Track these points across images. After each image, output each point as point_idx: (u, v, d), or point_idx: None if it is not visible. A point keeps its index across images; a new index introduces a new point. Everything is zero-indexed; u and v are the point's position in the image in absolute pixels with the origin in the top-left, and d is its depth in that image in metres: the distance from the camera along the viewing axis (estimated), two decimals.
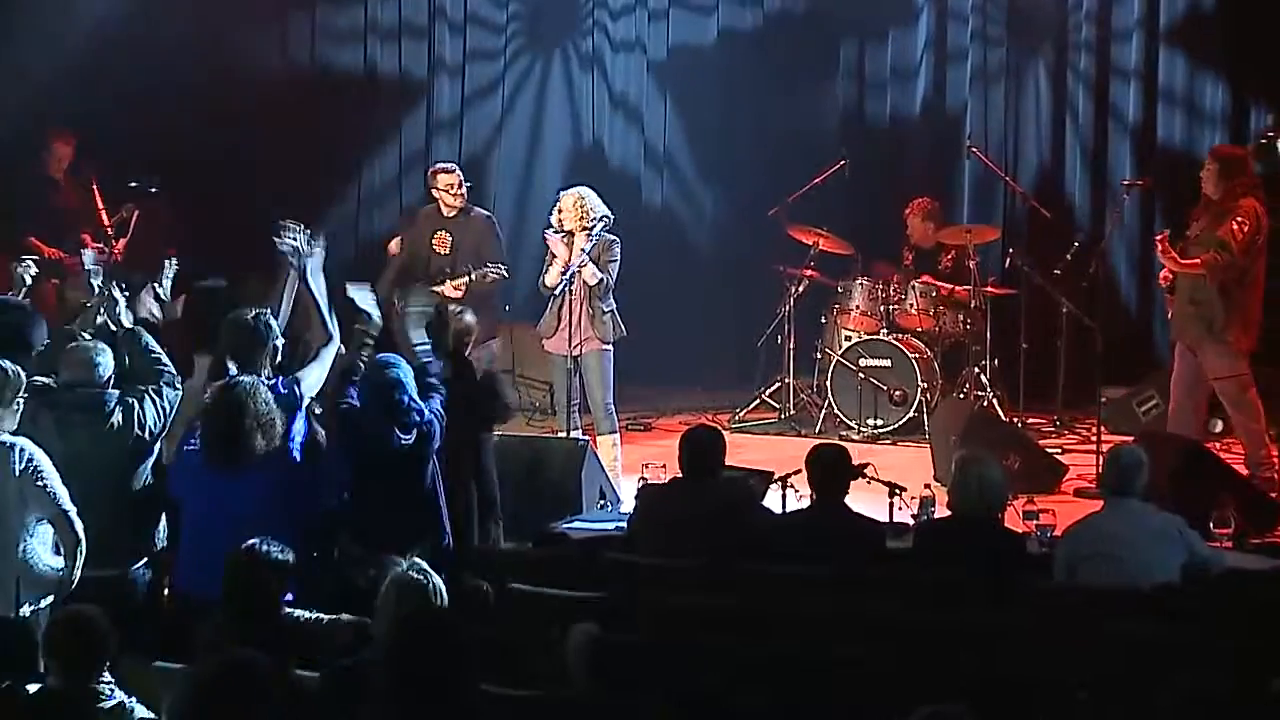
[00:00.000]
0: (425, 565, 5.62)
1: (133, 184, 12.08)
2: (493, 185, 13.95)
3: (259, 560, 5.80)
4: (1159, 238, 9.99)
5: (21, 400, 6.63)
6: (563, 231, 10.18)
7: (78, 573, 6.41)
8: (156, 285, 7.79)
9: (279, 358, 7.20)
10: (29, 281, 8.20)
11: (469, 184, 10.96)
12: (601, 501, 9.48)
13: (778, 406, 12.33)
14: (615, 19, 14.11)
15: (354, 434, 7.12)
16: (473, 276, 10.53)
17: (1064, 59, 13.12)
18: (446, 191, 10.75)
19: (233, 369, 7.05)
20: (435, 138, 14.12)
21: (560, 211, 10.24)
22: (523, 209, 13.88)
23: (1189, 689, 4.42)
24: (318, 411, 7.23)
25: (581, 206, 10.16)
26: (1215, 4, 12.66)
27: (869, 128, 13.54)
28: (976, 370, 11.84)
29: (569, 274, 9.98)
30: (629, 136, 14.23)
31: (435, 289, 10.62)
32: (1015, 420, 11.51)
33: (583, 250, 10.03)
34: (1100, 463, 7.96)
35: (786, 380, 12.30)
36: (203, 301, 8.41)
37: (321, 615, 5.94)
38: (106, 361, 6.98)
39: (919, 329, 12.00)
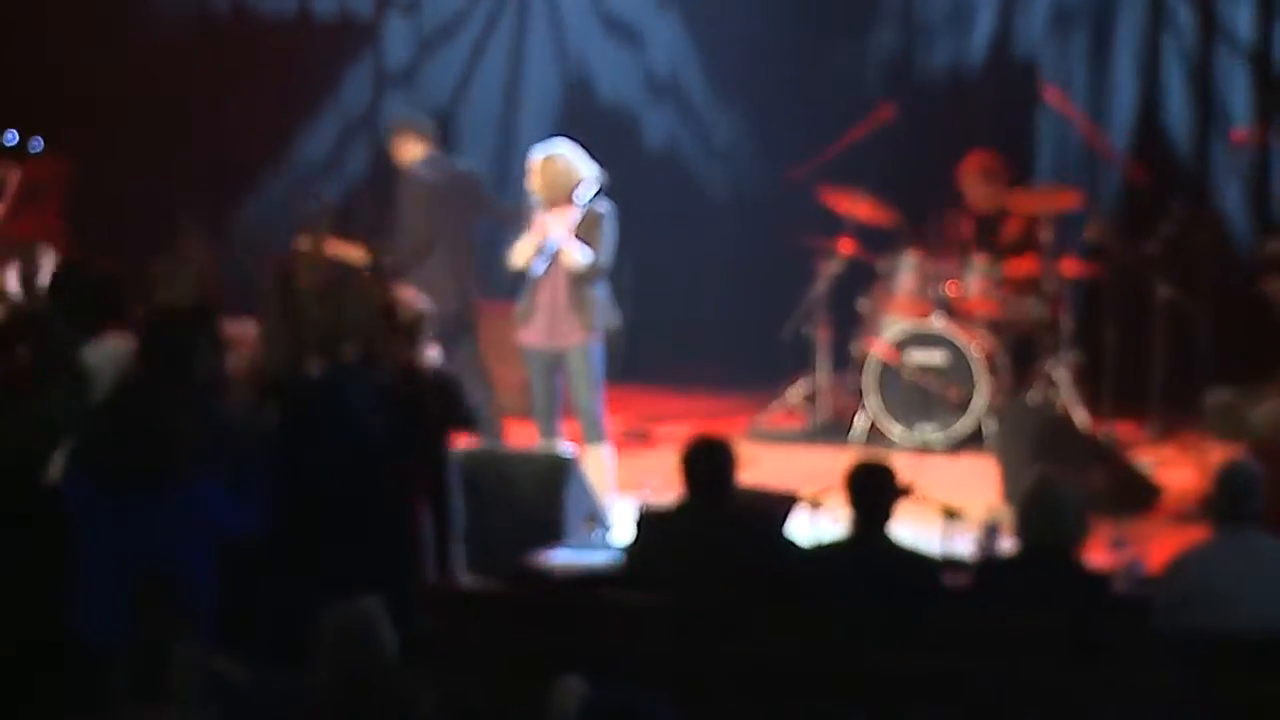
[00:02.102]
0: (372, 606, 5.65)
1: (9, 141, 12.12)
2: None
3: (166, 600, 5.83)
4: None
5: None
6: (539, 202, 10.14)
7: None
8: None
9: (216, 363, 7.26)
10: None
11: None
12: (590, 527, 9.51)
13: (806, 411, 12.36)
14: None
15: (291, 454, 7.16)
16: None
17: None
18: None
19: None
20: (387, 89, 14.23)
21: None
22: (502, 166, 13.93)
23: None
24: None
25: (551, 172, 10.09)
26: None
27: (920, 67, 13.56)
28: (1051, 366, 11.87)
29: (547, 254, 9.95)
30: (625, 80, 14.25)
31: None
32: (1100, 428, 11.55)
33: (570, 219, 10.03)
34: (1207, 481, 7.97)
35: (817, 379, 12.32)
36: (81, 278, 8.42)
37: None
38: None
39: (981, 316, 12.03)
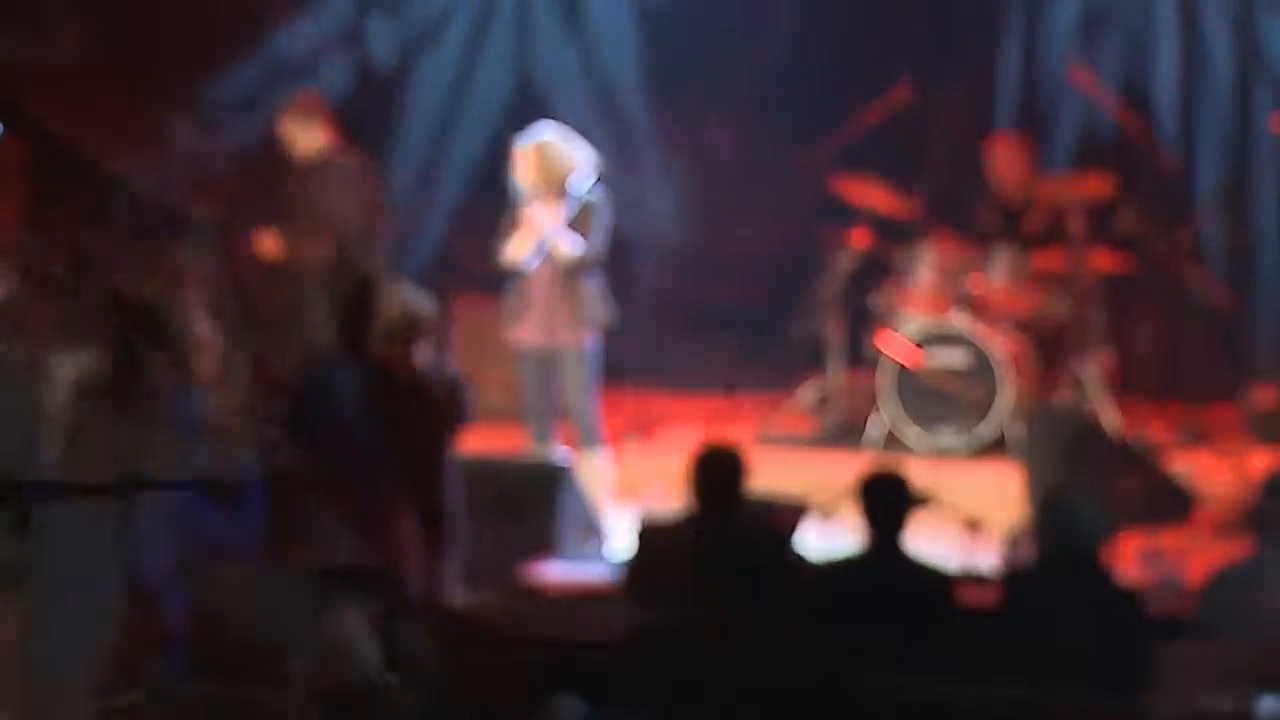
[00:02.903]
0: (359, 621, 5.68)
1: None
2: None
3: (138, 615, 5.86)
4: None
5: None
6: (530, 194, 10.13)
7: None
8: None
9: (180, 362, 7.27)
10: None
11: None
12: (586, 537, 9.52)
13: (818, 414, 12.37)
14: None
15: (276, 457, 7.19)
16: None
17: None
18: None
19: None
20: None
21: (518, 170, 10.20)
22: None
23: None
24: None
25: (545, 160, 10.08)
26: None
27: (938, 45, 13.57)
28: (1080, 366, 11.88)
29: (540, 248, 9.95)
30: (613, 51, 14.26)
31: None
32: (1132, 432, 11.55)
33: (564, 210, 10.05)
34: (1249, 489, 7.98)
35: (829, 380, 12.33)
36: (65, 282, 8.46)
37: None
38: None
39: (1005, 313, 12.03)
